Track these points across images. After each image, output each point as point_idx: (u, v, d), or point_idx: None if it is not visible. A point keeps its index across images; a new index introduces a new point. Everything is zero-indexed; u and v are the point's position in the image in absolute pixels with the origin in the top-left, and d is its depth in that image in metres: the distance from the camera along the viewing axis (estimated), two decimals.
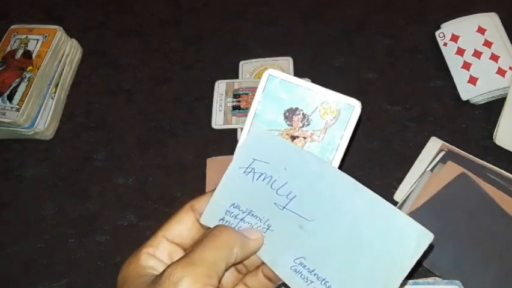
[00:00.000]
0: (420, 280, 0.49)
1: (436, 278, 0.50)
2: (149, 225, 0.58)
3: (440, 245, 0.51)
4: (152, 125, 0.65)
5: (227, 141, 0.62)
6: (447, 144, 0.57)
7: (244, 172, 0.37)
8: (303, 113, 0.37)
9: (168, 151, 0.63)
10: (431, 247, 0.32)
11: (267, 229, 0.36)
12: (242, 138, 0.38)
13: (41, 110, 0.64)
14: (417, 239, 0.31)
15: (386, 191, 0.56)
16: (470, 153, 0.56)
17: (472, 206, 0.53)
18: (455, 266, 0.50)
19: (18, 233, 0.59)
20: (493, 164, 0.55)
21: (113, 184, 0.61)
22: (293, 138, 0.38)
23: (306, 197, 0.35)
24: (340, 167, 0.36)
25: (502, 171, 0.55)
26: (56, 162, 0.64)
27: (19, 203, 0.61)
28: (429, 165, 0.56)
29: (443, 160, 0.56)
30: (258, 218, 0.36)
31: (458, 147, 0.57)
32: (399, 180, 0.56)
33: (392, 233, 0.32)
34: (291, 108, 0.38)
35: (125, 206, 0.59)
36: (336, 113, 0.37)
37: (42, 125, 0.64)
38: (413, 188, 0.55)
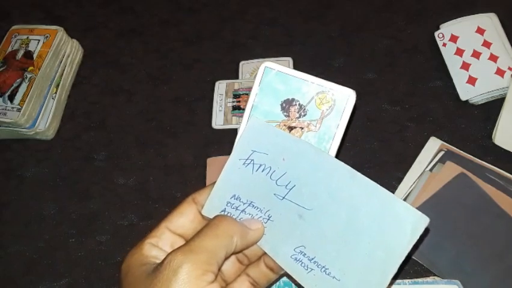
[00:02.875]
0: (420, 280, 0.49)
1: (436, 277, 0.50)
2: (150, 225, 0.58)
3: (440, 245, 0.51)
4: (152, 125, 0.65)
5: (227, 141, 0.62)
6: (446, 144, 0.57)
7: (244, 164, 0.37)
8: (299, 104, 0.38)
9: (168, 151, 0.63)
10: (426, 231, 0.32)
11: (268, 219, 0.37)
12: (240, 130, 0.39)
13: (42, 110, 0.64)
14: (413, 223, 0.32)
15: None
16: (469, 153, 0.56)
17: (471, 205, 0.53)
18: (454, 266, 0.50)
19: (18, 233, 0.59)
20: (492, 164, 0.55)
21: (114, 184, 0.61)
22: (290, 128, 0.38)
23: (305, 187, 0.36)
24: (337, 156, 0.37)
25: (501, 171, 0.55)
26: (56, 162, 0.64)
27: (20, 202, 0.61)
28: (429, 165, 0.56)
29: (442, 160, 0.56)
30: (258, 209, 0.37)
31: (457, 147, 0.57)
32: (399, 180, 0.56)
33: (389, 218, 0.33)
34: (288, 99, 0.38)
35: (126, 206, 0.59)
36: (331, 103, 0.37)
37: (43, 125, 0.64)
38: (412, 187, 0.55)
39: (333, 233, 0.34)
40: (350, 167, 0.35)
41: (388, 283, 0.32)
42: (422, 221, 0.32)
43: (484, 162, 0.55)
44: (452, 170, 0.55)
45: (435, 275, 0.51)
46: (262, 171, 0.37)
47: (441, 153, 0.57)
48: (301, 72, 0.38)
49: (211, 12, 0.74)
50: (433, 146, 0.57)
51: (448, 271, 0.50)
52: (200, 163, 0.61)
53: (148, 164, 0.62)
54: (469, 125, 0.60)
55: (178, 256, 0.31)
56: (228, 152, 0.61)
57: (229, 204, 0.37)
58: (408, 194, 0.55)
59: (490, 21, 0.63)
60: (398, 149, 0.60)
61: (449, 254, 0.51)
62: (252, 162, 0.37)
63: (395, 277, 0.33)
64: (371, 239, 0.33)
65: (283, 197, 0.36)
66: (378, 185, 0.34)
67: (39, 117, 0.64)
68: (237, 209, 0.37)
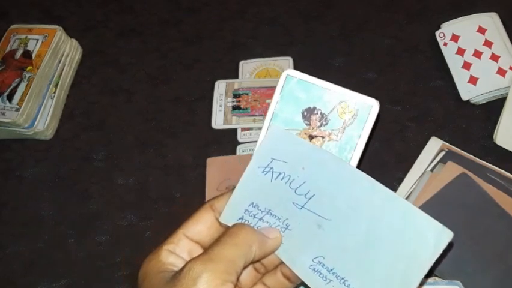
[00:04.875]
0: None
1: (436, 278, 0.50)
2: (149, 225, 0.58)
3: None
4: (152, 125, 0.65)
5: (227, 141, 0.62)
6: (447, 144, 0.57)
7: (263, 171, 0.37)
8: (321, 113, 0.38)
9: (168, 151, 0.63)
10: (450, 246, 0.32)
11: (286, 228, 0.36)
12: (260, 138, 0.38)
13: (41, 110, 0.64)
14: (437, 237, 0.32)
15: None
16: (470, 153, 0.56)
17: (472, 206, 0.53)
18: (455, 266, 0.50)
19: (17, 233, 0.59)
20: (493, 164, 0.55)
21: (113, 184, 0.61)
22: (311, 137, 0.38)
23: (325, 196, 0.35)
24: (358, 166, 0.37)
25: (502, 171, 0.54)
26: (55, 162, 0.63)
27: (19, 202, 0.61)
28: (430, 165, 0.56)
29: (443, 160, 0.56)
30: (276, 218, 0.36)
31: (458, 147, 0.57)
32: (400, 180, 0.56)
33: (411, 231, 0.32)
34: (309, 108, 0.38)
35: (125, 206, 0.59)
36: (354, 113, 0.37)
37: (42, 125, 0.64)
38: (413, 188, 0.55)
39: (353, 244, 0.34)
40: (371, 178, 0.34)
41: None
42: (446, 235, 0.32)
43: (485, 162, 0.55)
44: (453, 170, 0.55)
45: (436, 276, 0.50)
46: (282, 179, 0.36)
47: (442, 153, 0.56)
48: (323, 81, 0.38)
49: (211, 11, 0.74)
50: (434, 146, 0.57)
51: (449, 272, 0.50)
52: (200, 163, 0.61)
53: (147, 164, 0.62)
54: (470, 125, 0.60)
55: (197, 265, 0.31)
56: (228, 152, 0.62)
57: (247, 212, 0.37)
58: (409, 194, 0.55)
59: (491, 20, 0.63)
60: (398, 149, 0.59)
61: (450, 255, 0.51)
62: (272, 170, 0.37)
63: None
64: (392, 251, 0.33)
65: (302, 206, 0.36)
66: (400, 197, 0.33)
67: (38, 117, 0.64)
68: (254, 217, 0.37)
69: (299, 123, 0.38)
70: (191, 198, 0.59)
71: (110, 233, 0.58)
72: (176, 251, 0.35)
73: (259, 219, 0.37)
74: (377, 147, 0.60)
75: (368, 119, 0.37)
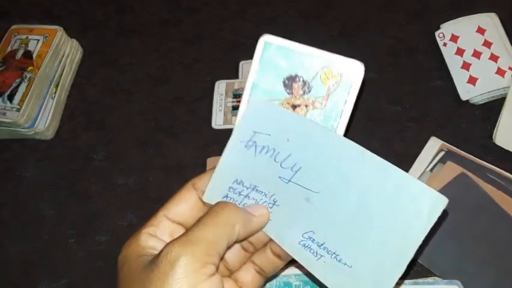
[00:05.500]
0: (420, 280, 0.49)
1: (436, 278, 0.50)
2: None
3: (440, 245, 0.51)
4: (152, 125, 0.65)
5: (227, 141, 0.62)
6: (447, 144, 0.57)
7: (246, 146, 0.35)
8: (303, 80, 0.35)
9: (168, 151, 0.63)
10: (445, 214, 0.30)
11: (273, 204, 0.34)
12: (240, 110, 0.36)
13: (42, 110, 0.64)
14: (431, 204, 0.30)
15: None
16: (469, 153, 0.56)
17: (471, 206, 0.53)
18: (455, 266, 0.50)
19: (17, 233, 0.59)
20: (492, 164, 0.55)
21: (113, 184, 0.61)
22: (294, 107, 0.36)
23: (312, 168, 0.33)
24: (345, 135, 0.35)
25: (502, 171, 0.55)
26: (56, 162, 0.64)
27: (19, 202, 0.61)
28: (429, 165, 0.56)
29: (442, 160, 0.56)
30: (263, 193, 0.35)
31: (457, 147, 0.57)
32: None
33: (404, 200, 0.30)
34: (291, 76, 0.36)
35: (125, 206, 0.59)
36: (338, 77, 0.35)
37: (43, 125, 0.64)
38: None
39: (343, 217, 0.32)
40: (359, 146, 0.32)
41: (404, 269, 0.30)
42: (440, 202, 0.30)
43: (484, 162, 0.55)
44: (452, 170, 0.55)
45: (435, 276, 0.50)
46: (266, 153, 0.34)
47: (442, 153, 0.57)
48: (304, 45, 0.35)
49: (211, 11, 0.74)
50: (434, 146, 0.57)
51: (449, 271, 0.50)
52: (200, 163, 0.61)
53: (147, 164, 0.62)
54: (469, 125, 0.60)
55: (175, 248, 0.29)
56: None
57: (231, 190, 0.35)
58: None
59: (490, 20, 0.63)
60: (398, 148, 0.60)
61: (450, 255, 0.51)
62: (254, 144, 0.35)
63: (408, 267, 0.30)
64: (385, 222, 0.31)
65: (289, 180, 0.34)
66: (391, 164, 0.31)
67: (39, 117, 0.64)
68: (240, 194, 0.35)
69: (281, 93, 0.36)
70: None
71: (110, 233, 0.58)
72: (157, 233, 0.33)
73: (245, 196, 0.35)
74: (377, 147, 0.60)
75: (354, 84, 0.34)
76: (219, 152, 0.61)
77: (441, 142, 0.57)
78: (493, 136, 0.57)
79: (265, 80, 0.36)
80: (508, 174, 0.54)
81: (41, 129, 0.64)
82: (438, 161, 0.56)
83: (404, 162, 0.57)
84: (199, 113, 0.65)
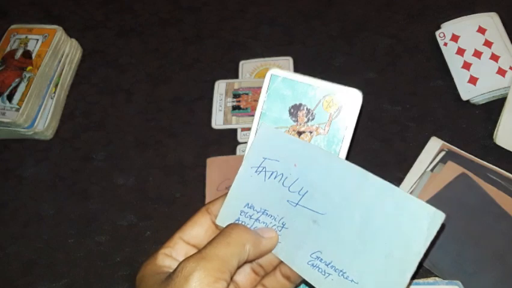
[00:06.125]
0: (421, 280, 0.49)
1: (436, 278, 0.50)
2: (149, 225, 0.58)
3: (441, 245, 0.51)
4: (152, 125, 0.65)
5: (227, 141, 0.62)
6: (447, 144, 0.57)
7: (256, 171, 0.37)
8: (307, 108, 0.38)
9: (168, 151, 0.63)
10: (442, 227, 0.32)
11: (282, 227, 0.36)
12: (251, 138, 0.39)
13: (41, 110, 0.64)
14: (429, 219, 0.32)
15: None
16: (470, 153, 0.56)
17: (472, 206, 0.53)
18: (455, 266, 0.50)
19: (17, 233, 0.59)
20: (493, 164, 0.55)
21: (113, 184, 0.61)
22: (300, 133, 0.38)
23: (318, 191, 0.36)
24: (347, 157, 0.37)
25: (502, 171, 0.54)
26: (55, 162, 0.63)
27: (18, 203, 0.61)
28: (430, 165, 0.56)
29: (443, 160, 0.56)
30: (272, 217, 0.37)
31: (458, 147, 0.57)
32: (400, 180, 0.56)
33: (404, 217, 0.33)
34: (295, 105, 0.39)
35: (125, 206, 0.59)
36: (338, 105, 0.38)
37: (42, 125, 0.64)
38: (413, 188, 0.55)
39: (348, 236, 0.34)
40: (361, 168, 0.35)
41: (407, 282, 0.32)
42: (438, 217, 0.32)
43: (485, 163, 0.55)
44: (453, 170, 0.55)
45: (436, 276, 0.50)
46: (275, 178, 0.37)
47: (442, 153, 0.56)
48: (307, 77, 0.39)
49: (211, 11, 0.73)
50: (434, 146, 0.57)
51: (449, 272, 0.50)
52: (200, 163, 0.61)
53: (147, 164, 0.62)
54: (470, 125, 0.60)
55: (189, 263, 0.31)
56: (228, 152, 0.62)
57: (242, 213, 0.37)
58: (409, 194, 0.55)
59: (491, 20, 0.63)
60: (398, 149, 0.59)
61: (450, 255, 0.51)
62: (264, 169, 0.37)
63: (413, 277, 0.32)
64: (388, 239, 0.33)
65: (297, 204, 0.36)
66: (391, 184, 0.34)
67: (38, 117, 0.64)
68: (250, 218, 0.37)
69: (287, 121, 0.39)
70: (191, 198, 0.59)
71: (110, 233, 0.58)
72: (173, 254, 0.35)
73: (256, 219, 0.37)
74: (377, 147, 0.60)
75: (353, 110, 0.37)
76: (218, 152, 0.62)
77: (442, 142, 0.57)
78: (494, 136, 0.57)
79: (273, 109, 0.39)
80: (508, 174, 0.54)
81: (40, 129, 0.64)
82: (439, 161, 0.56)
83: (404, 162, 0.57)
84: (199, 113, 0.65)
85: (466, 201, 0.53)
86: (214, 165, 0.60)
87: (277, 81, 0.39)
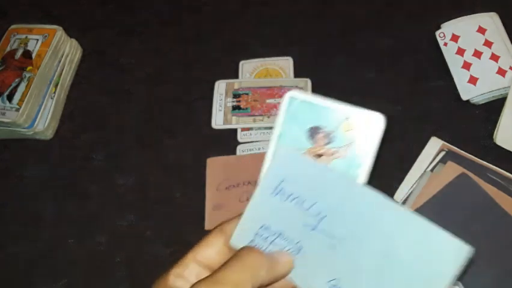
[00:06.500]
0: None
1: None
2: (149, 225, 0.58)
3: None
4: (152, 124, 0.65)
5: (227, 141, 0.62)
6: (447, 144, 0.57)
7: (273, 193, 0.37)
8: (326, 131, 0.37)
9: (168, 151, 0.63)
10: (469, 262, 0.31)
11: (298, 251, 0.36)
12: (267, 160, 0.38)
13: (41, 110, 0.64)
14: (455, 253, 0.31)
15: (386, 191, 0.56)
16: (470, 153, 0.56)
17: (472, 206, 0.53)
18: None
19: (17, 233, 0.59)
20: (493, 164, 0.55)
21: (113, 184, 0.61)
22: (318, 156, 0.38)
23: (336, 216, 0.35)
24: (368, 183, 0.36)
25: (502, 171, 0.54)
26: (55, 162, 0.63)
27: (18, 203, 0.61)
28: (430, 165, 0.56)
29: (443, 160, 0.56)
30: (288, 240, 0.36)
31: (458, 147, 0.57)
32: (400, 180, 0.56)
33: (427, 249, 0.32)
34: (314, 127, 0.38)
35: (125, 206, 0.59)
36: (359, 129, 0.37)
37: (42, 124, 0.64)
38: (413, 188, 0.55)
39: (367, 265, 0.33)
40: (382, 195, 0.34)
41: None
42: (464, 251, 0.31)
43: (485, 163, 0.55)
44: (453, 170, 0.55)
45: None
46: (292, 201, 0.36)
47: (442, 153, 0.56)
48: (326, 99, 0.38)
49: (211, 11, 0.73)
50: (434, 146, 0.57)
51: None
52: (200, 163, 0.60)
53: (147, 164, 0.62)
54: (470, 125, 0.60)
55: (202, 287, 0.31)
56: (228, 152, 0.62)
57: (257, 235, 0.36)
58: (409, 194, 0.55)
59: (491, 20, 0.63)
60: (398, 149, 0.59)
61: None
62: (282, 191, 0.36)
63: None
64: (408, 271, 0.32)
65: (314, 228, 0.35)
66: (415, 213, 0.32)
67: (38, 117, 0.64)
68: (266, 240, 0.36)
69: (305, 143, 0.38)
70: (191, 198, 0.59)
71: (110, 233, 0.58)
72: (185, 274, 0.35)
73: (271, 242, 0.36)
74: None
75: (374, 134, 0.36)
76: (219, 152, 0.62)
77: (442, 142, 0.57)
78: (494, 136, 0.57)
79: (290, 131, 0.38)
80: (508, 174, 0.54)
81: (40, 129, 0.64)
82: (439, 161, 0.56)
83: (405, 162, 0.57)
84: (199, 113, 0.65)
85: (465, 201, 0.53)
86: (214, 165, 0.60)
87: (295, 104, 0.38)
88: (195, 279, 0.34)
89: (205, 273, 0.34)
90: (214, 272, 0.32)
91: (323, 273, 0.35)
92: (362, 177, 0.36)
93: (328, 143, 0.37)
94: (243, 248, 0.34)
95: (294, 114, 0.38)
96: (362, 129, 0.37)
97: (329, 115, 0.37)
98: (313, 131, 0.38)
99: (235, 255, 0.33)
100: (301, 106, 0.38)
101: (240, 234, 0.36)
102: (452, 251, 0.31)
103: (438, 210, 0.53)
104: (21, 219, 0.60)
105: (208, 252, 0.36)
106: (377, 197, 0.34)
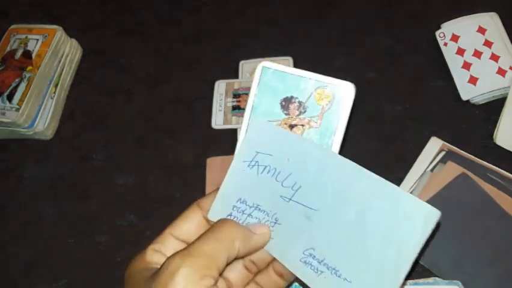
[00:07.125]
0: (421, 281, 0.49)
1: (436, 278, 0.50)
2: (149, 225, 0.58)
3: (441, 245, 0.51)
4: (152, 124, 0.65)
5: (227, 141, 0.62)
6: (447, 144, 0.57)
7: (249, 166, 0.37)
8: (298, 101, 0.38)
9: (168, 151, 0.63)
10: (437, 226, 0.31)
11: (275, 223, 0.36)
12: (242, 132, 0.38)
13: (41, 110, 0.64)
14: (424, 217, 0.31)
15: None
16: (470, 153, 0.56)
17: (472, 206, 0.53)
18: (455, 266, 0.50)
19: (17, 233, 0.59)
20: (493, 164, 0.55)
21: (113, 184, 0.61)
22: (292, 126, 0.38)
23: (311, 187, 0.35)
24: (340, 152, 0.36)
25: (503, 171, 0.54)
26: (55, 162, 0.63)
27: (18, 203, 0.61)
28: (430, 165, 0.56)
29: (443, 160, 0.56)
30: (265, 212, 0.36)
31: (458, 147, 0.57)
32: (400, 180, 0.56)
33: (398, 215, 0.32)
34: (287, 97, 0.38)
35: (125, 206, 0.59)
36: (331, 97, 0.37)
37: (42, 125, 0.64)
38: (413, 188, 0.55)
39: (342, 233, 0.33)
40: (355, 164, 0.34)
41: (402, 282, 0.31)
42: (433, 215, 0.31)
43: (485, 163, 0.55)
44: (453, 170, 0.55)
45: (436, 276, 0.50)
46: (268, 172, 0.36)
47: (442, 153, 0.56)
48: (298, 69, 0.38)
49: (211, 11, 0.73)
50: (434, 146, 0.57)
51: (449, 272, 0.50)
52: (200, 163, 0.60)
53: (147, 164, 0.62)
54: (470, 125, 0.60)
55: (175, 260, 0.30)
56: (228, 151, 0.61)
57: (235, 208, 0.37)
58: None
59: (491, 20, 0.63)
60: (398, 149, 0.59)
61: (450, 255, 0.51)
62: (257, 164, 0.36)
63: (408, 277, 0.32)
64: (382, 237, 0.32)
65: (290, 199, 0.35)
66: (386, 180, 0.33)
67: (38, 117, 0.64)
68: (243, 213, 0.36)
69: (278, 114, 0.38)
70: (191, 198, 0.58)
71: (110, 233, 0.58)
72: (162, 249, 0.35)
73: (248, 215, 0.36)
74: (377, 147, 0.60)
75: (345, 103, 0.37)
76: (219, 152, 0.62)
77: (442, 142, 0.57)
78: (494, 136, 0.57)
79: (264, 102, 0.38)
80: (508, 174, 0.54)
81: (40, 129, 0.64)
82: (439, 161, 0.56)
83: (404, 162, 0.57)
84: (199, 113, 0.65)
85: (466, 201, 0.53)
86: (214, 165, 0.60)
87: (268, 74, 0.38)
88: (172, 253, 0.34)
89: (183, 247, 0.34)
90: (190, 245, 0.32)
91: (298, 243, 0.35)
92: (335, 146, 0.37)
93: (301, 113, 0.38)
94: (218, 221, 0.34)
95: (267, 85, 0.38)
96: (333, 98, 0.37)
97: (301, 85, 0.38)
98: (287, 101, 0.38)
99: (211, 227, 0.33)
100: (274, 76, 0.38)
101: (218, 208, 0.36)
102: (422, 215, 0.31)
103: (438, 210, 0.53)
104: (21, 219, 0.60)
105: (186, 226, 0.36)
106: (350, 165, 0.34)
